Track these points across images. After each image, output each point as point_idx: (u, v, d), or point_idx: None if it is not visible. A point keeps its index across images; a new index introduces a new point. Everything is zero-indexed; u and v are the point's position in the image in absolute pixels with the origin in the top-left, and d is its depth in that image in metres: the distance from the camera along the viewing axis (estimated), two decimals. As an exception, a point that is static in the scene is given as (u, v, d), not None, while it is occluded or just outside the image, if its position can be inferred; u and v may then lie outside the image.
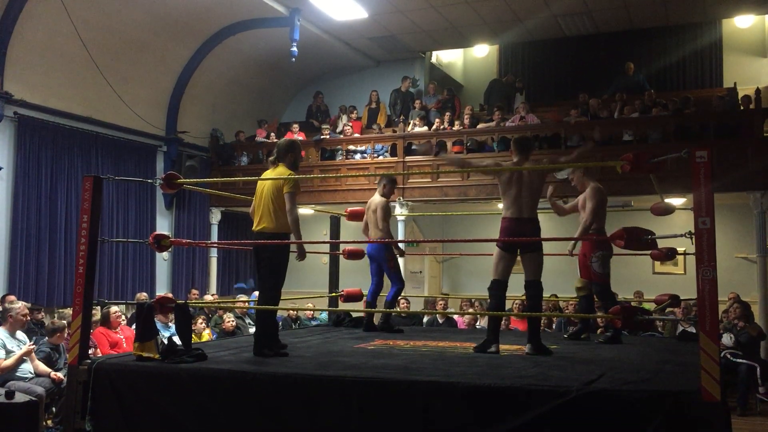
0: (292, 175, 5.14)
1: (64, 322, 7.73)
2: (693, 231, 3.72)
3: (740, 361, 8.43)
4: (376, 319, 7.27)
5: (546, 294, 11.02)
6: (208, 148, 13.38)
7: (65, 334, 7.35)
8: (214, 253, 13.29)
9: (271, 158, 5.37)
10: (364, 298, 7.28)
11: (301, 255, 5.18)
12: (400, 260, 11.29)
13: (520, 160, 5.42)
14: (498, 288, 5.36)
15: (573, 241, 6.31)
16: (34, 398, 6.00)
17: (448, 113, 12.37)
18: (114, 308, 8.01)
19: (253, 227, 5.23)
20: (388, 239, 6.88)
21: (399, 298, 7.35)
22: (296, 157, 5.31)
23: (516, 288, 12.41)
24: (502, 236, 5.29)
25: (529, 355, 5.17)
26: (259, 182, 5.26)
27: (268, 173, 5.27)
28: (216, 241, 13.11)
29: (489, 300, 5.47)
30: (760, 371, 8.42)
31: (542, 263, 5.41)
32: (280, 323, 9.56)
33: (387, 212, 6.95)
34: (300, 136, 13.13)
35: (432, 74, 14.78)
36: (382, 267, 7.09)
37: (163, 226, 12.43)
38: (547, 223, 12.63)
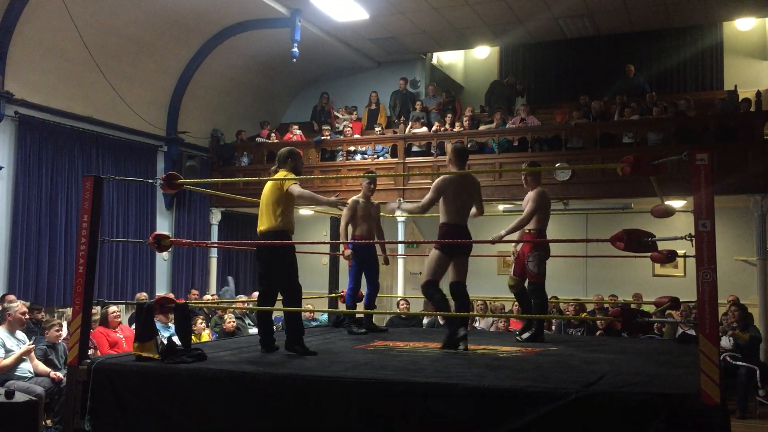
0: (290, 175, 5.26)
1: (58, 321, 7.74)
2: (693, 233, 3.72)
3: (740, 363, 8.43)
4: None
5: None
6: (209, 149, 13.38)
7: (62, 332, 7.36)
8: (214, 254, 13.29)
9: (272, 168, 5.50)
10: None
11: (338, 199, 5.44)
12: (400, 261, 11.38)
13: (458, 169, 5.69)
14: (439, 289, 5.58)
15: (505, 231, 6.25)
16: (33, 398, 6.00)
17: (449, 115, 12.37)
18: (112, 308, 8.01)
19: (257, 229, 5.37)
20: (343, 239, 6.85)
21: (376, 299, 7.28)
22: (296, 164, 5.42)
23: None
24: (443, 240, 5.53)
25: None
26: (264, 190, 5.39)
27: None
28: (216, 241, 13.11)
29: (436, 302, 5.61)
30: (760, 374, 8.42)
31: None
32: (280, 324, 9.56)
33: (349, 210, 6.81)
34: (297, 138, 13.13)
35: (433, 75, 14.79)
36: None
37: (163, 226, 12.43)
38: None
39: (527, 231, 6.34)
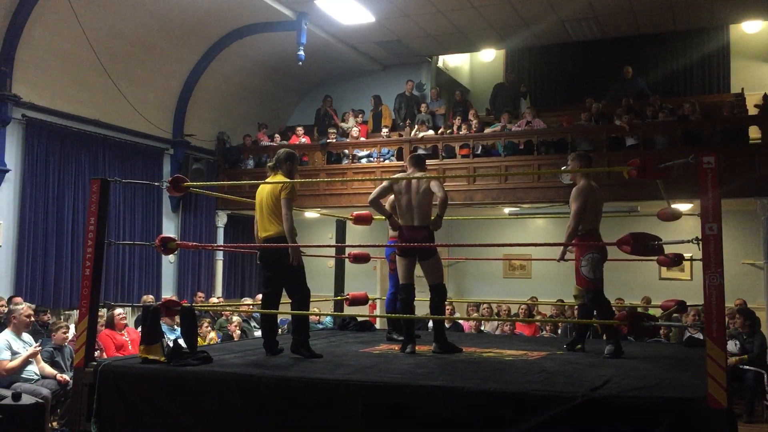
0: (285, 180, 5.29)
1: (65, 323, 7.77)
2: (700, 237, 3.70)
3: (747, 368, 8.39)
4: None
5: (552, 299, 11.02)
6: (215, 152, 13.40)
7: (68, 334, 7.37)
8: (219, 256, 13.30)
9: (269, 164, 5.53)
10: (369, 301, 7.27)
11: (295, 258, 5.22)
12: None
13: (413, 171, 5.75)
14: (405, 292, 5.60)
15: (563, 248, 5.85)
16: (40, 400, 6.02)
17: (459, 117, 12.35)
18: (118, 310, 8.04)
19: (259, 235, 5.38)
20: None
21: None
22: (293, 167, 5.48)
23: (519, 293, 12.36)
24: (399, 243, 5.61)
25: (436, 353, 5.40)
26: (258, 191, 5.41)
27: (267, 180, 5.44)
28: (222, 244, 13.13)
29: (399, 305, 5.66)
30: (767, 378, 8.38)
31: (441, 267, 5.70)
32: (285, 326, 9.57)
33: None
34: (305, 140, 13.16)
35: (438, 78, 14.79)
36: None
37: (170, 228, 12.45)
38: (553, 227, 12.61)
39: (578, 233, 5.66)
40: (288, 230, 5.19)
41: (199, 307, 8.72)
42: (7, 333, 6.84)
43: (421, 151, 11.87)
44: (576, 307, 6.34)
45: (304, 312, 5.30)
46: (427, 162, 11.51)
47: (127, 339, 7.85)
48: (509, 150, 11.21)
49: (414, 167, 5.78)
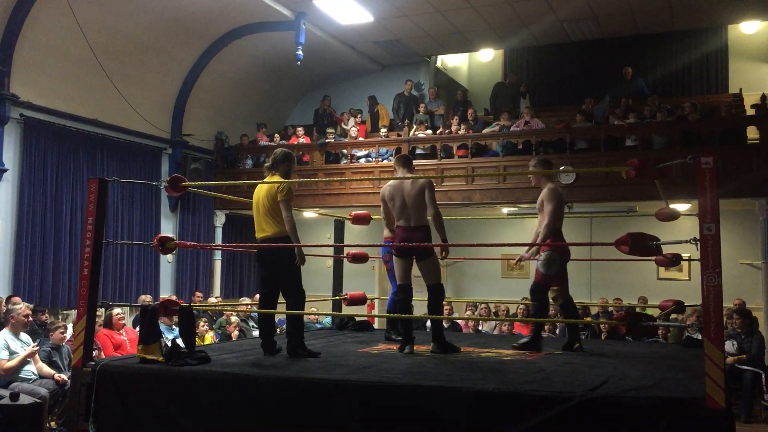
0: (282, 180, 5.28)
1: (62, 323, 7.76)
2: (698, 237, 3.71)
3: (745, 368, 8.40)
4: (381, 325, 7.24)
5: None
6: (213, 151, 13.40)
7: (66, 334, 7.37)
8: (218, 256, 13.30)
9: (266, 164, 5.51)
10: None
11: (301, 259, 5.26)
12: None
13: (402, 171, 5.80)
14: (403, 292, 5.61)
15: (530, 247, 5.95)
16: (38, 400, 6.01)
17: (457, 116, 12.35)
18: (116, 310, 8.03)
19: (257, 235, 5.37)
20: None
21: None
22: (290, 168, 5.48)
23: (517, 292, 12.36)
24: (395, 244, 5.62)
25: (434, 353, 5.40)
26: (255, 192, 5.40)
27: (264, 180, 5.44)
28: (220, 243, 13.12)
29: (397, 305, 5.67)
30: (765, 378, 8.39)
31: (438, 267, 5.71)
32: (284, 326, 9.56)
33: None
34: (304, 140, 13.16)
35: (437, 78, 14.80)
36: None
37: (168, 228, 12.44)
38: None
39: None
40: (291, 231, 5.20)
41: (197, 306, 8.71)
42: (5, 333, 6.84)
43: (419, 151, 11.89)
44: (559, 307, 6.34)
45: (301, 312, 5.29)
46: (427, 162, 11.69)
47: (125, 339, 7.84)
48: (508, 150, 11.22)
49: (402, 167, 5.80)
